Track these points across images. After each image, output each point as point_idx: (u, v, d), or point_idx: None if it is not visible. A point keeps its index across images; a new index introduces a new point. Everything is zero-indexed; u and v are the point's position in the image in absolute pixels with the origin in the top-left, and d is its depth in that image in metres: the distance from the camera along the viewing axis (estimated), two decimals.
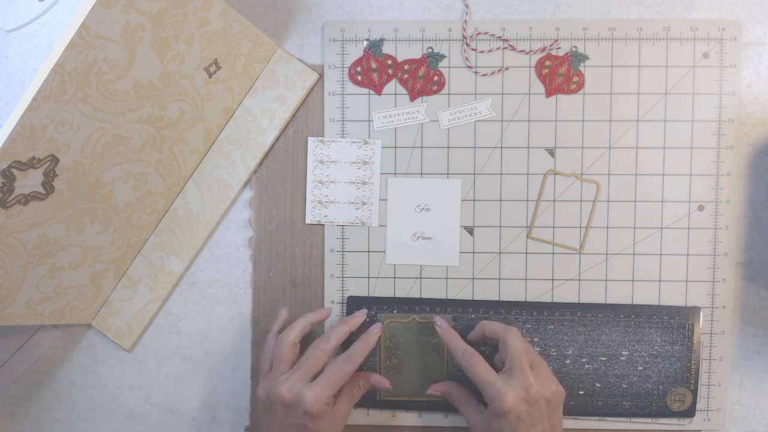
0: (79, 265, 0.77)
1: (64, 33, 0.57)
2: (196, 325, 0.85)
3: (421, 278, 0.83)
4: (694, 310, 0.81)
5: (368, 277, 0.83)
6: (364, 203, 0.83)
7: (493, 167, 0.82)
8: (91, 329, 0.86)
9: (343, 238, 0.83)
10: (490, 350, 0.80)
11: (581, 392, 0.81)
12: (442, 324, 0.79)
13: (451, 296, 0.83)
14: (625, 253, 0.82)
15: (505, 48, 0.82)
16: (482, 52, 0.82)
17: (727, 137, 0.81)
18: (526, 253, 0.82)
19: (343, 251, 0.83)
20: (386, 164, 0.82)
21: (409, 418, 0.84)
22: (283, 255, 0.84)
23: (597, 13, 0.81)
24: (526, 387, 0.69)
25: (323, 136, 0.83)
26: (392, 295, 0.83)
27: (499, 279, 0.82)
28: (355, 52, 0.82)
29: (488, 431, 0.71)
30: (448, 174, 0.82)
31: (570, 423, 0.82)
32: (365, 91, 0.82)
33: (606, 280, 0.82)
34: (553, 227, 0.82)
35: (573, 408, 0.81)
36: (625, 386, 0.81)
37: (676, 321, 0.81)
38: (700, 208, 0.81)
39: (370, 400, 0.83)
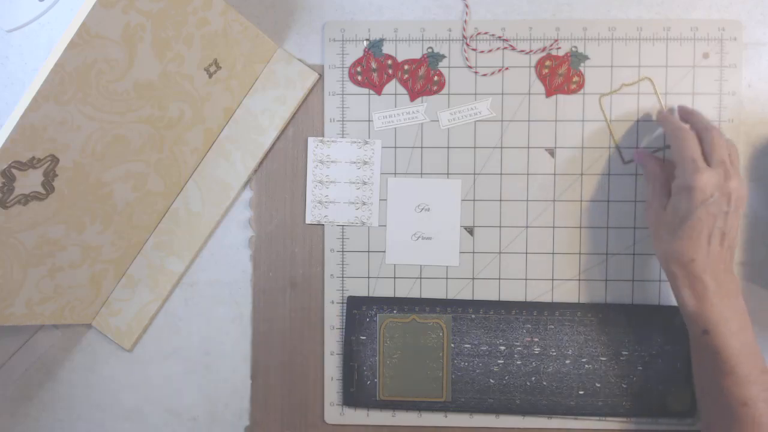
0: (79, 265, 0.77)
1: (64, 33, 0.57)
2: (196, 325, 0.85)
3: (421, 278, 0.83)
4: None
5: (368, 277, 0.83)
6: (364, 203, 0.83)
7: (493, 167, 0.82)
8: (91, 329, 0.86)
9: (343, 238, 0.83)
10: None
11: (581, 392, 0.81)
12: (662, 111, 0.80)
13: (451, 296, 0.83)
14: (625, 253, 0.82)
15: (505, 48, 0.82)
16: (482, 52, 0.82)
17: (727, 137, 0.81)
18: (526, 253, 0.82)
19: (343, 251, 0.83)
20: (386, 164, 0.82)
21: (409, 418, 0.84)
22: (283, 255, 0.84)
23: (597, 13, 0.81)
24: (724, 175, 0.68)
25: (323, 136, 0.83)
26: (392, 295, 0.83)
27: (499, 279, 0.83)
28: (355, 52, 0.82)
29: (664, 209, 0.72)
30: (448, 174, 0.82)
31: (570, 423, 0.82)
32: (365, 91, 0.82)
33: (606, 280, 0.82)
34: (553, 227, 0.82)
35: (573, 408, 0.81)
36: (625, 386, 0.81)
37: (676, 321, 0.81)
38: None
39: (370, 400, 0.83)
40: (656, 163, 0.76)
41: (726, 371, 0.67)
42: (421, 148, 0.82)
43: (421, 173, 0.82)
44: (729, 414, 0.67)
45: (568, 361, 0.81)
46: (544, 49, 0.81)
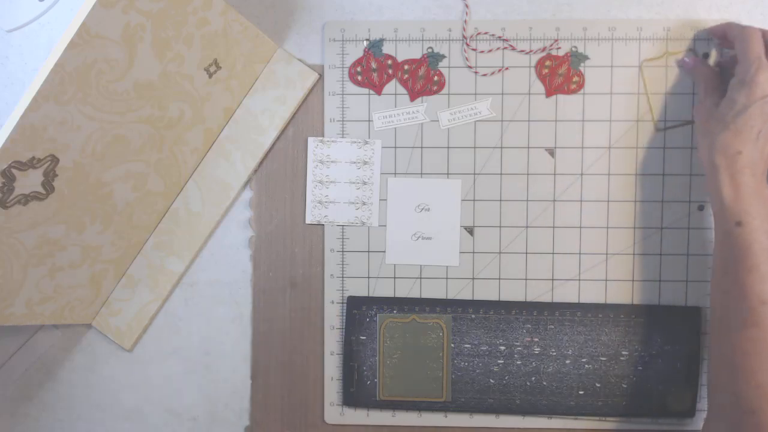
0: (79, 265, 0.77)
1: (64, 33, 0.57)
2: (196, 325, 0.85)
3: (421, 278, 0.83)
4: (694, 310, 0.81)
5: (368, 277, 0.83)
6: (364, 203, 0.83)
7: (493, 167, 0.82)
8: (91, 329, 0.86)
9: (343, 238, 0.83)
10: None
11: (581, 392, 0.81)
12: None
13: (451, 296, 0.83)
14: (625, 253, 0.82)
15: (505, 48, 0.82)
16: (482, 52, 0.82)
17: None
18: (526, 253, 0.82)
19: (343, 251, 0.83)
20: (386, 164, 0.82)
21: (409, 418, 0.84)
22: (283, 255, 0.84)
23: (597, 13, 0.81)
24: None
25: (323, 136, 0.83)
26: (392, 295, 0.83)
27: (499, 279, 0.83)
28: (355, 52, 0.82)
29: (716, 106, 0.73)
30: (448, 174, 0.82)
31: (570, 423, 0.82)
32: (365, 91, 0.82)
33: (606, 280, 0.82)
34: (553, 227, 0.82)
35: (573, 408, 0.81)
36: (625, 386, 0.81)
37: (676, 321, 0.81)
38: (700, 208, 0.81)
39: (370, 400, 0.83)
40: (707, 66, 0.78)
41: (751, 267, 0.67)
42: (421, 148, 0.82)
43: (421, 173, 0.82)
44: (746, 312, 0.67)
45: (568, 361, 0.81)
46: (544, 49, 0.81)
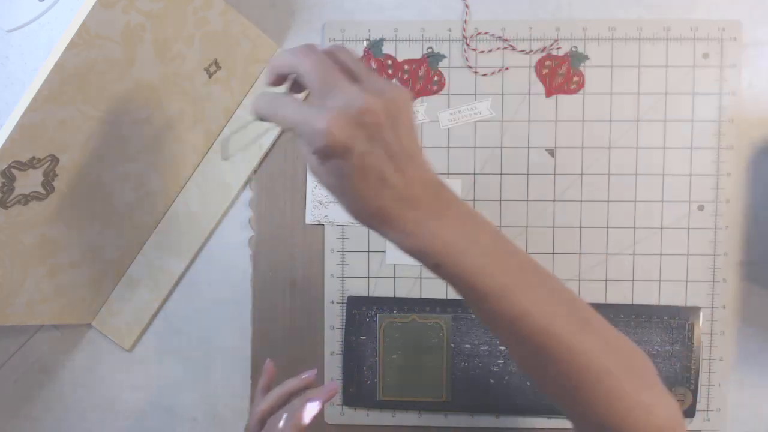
0: (79, 265, 0.77)
1: (64, 33, 0.57)
2: (196, 325, 0.85)
3: (421, 278, 0.83)
4: (694, 310, 0.81)
5: (368, 277, 0.83)
6: None
7: (493, 167, 0.82)
8: (91, 329, 0.86)
9: (343, 238, 0.83)
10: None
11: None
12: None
13: (451, 296, 0.83)
14: (625, 253, 0.82)
15: (505, 48, 0.82)
16: (482, 52, 0.82)
17: (727, 137, 0.81)
18: (526, 253, 0.82)
19: (343, 251, 0.83)
20: None
21: (409, 418, 0.84)
22: (283, 255, 0.84)
23: (597, 13, 0.81)
24: (347, 101, 0.49)
25: None
26: (392, 295, 0.83)
27: None
28: (355, 52, 0.82)
29: (326, 178, 0.52)
30: (448, 174, 0.82)
31: (570, 423, 0.82)
32: None
33: (606, 280, 0.82)
34: (553, 227, 0.82)
35: None
36: None
37: (676, 321, 0.81)
38: (700, 208, 0.81)
39: (370, 400, 0.83)
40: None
41: (479, 296, 0.53)
42: (421, 148, 0.82)
43: None
44: (509, 338, 0.56)
45: None
46: (544, 49, 0.81)
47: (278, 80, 0.56)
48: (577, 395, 0.55)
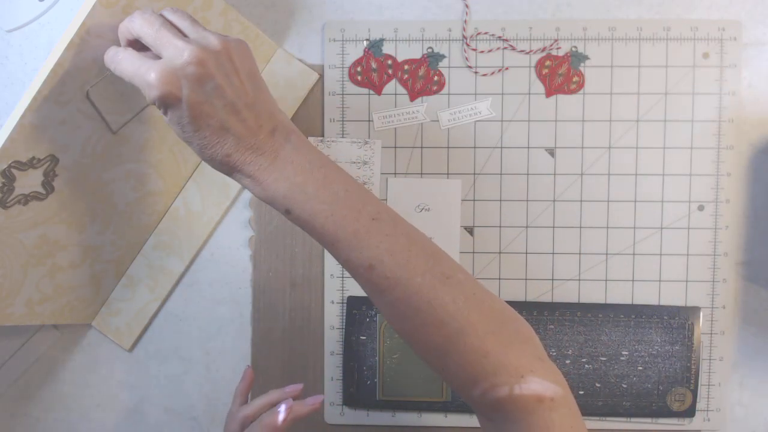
0: (79, 265, 0.77)
1: (64, 33, 0.57)
2: (196, 325, 0.85)
3: None
4: (694, 310, 0.81)
5: None
6: None
7: (493, 167, 0.82)
8: (91, 329, 0.86)
9: None
10: None
11: (581, 392, 0.81)
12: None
13: None
14: (625, 253, 0.82)
15: (505, 48, 0.81)
16: (482, 52, 0.82)
17: (727, 137, 0.81)
18: (526, 253, 0.82)
19: None
20: (386, 164, 0.82)
21: (409, 418, 0.84)
22: (283, 255, 0.84)
23: (597, 13, 0.81)
24: (173, 54, 0.54)
25: (323, 136, 0.83)
26: None
27: (499, 279, 0.82)
28: (355, 52, 0.82)
29: (175, 129, 0.57)
30: (448, 174, 0.82)
31: None
32: (365, 91, 0.82)
33: (606, 280, 0.82)
34: (553, 227, 0.82)
35: None
36: (625, 386, 0.81)
37: (676, 321, 0.81)
38: (700, 208, 0.81)
39: (370, 400, 0.83)
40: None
41: (330, 241, 0.57)
42: (421, 148, 0.82)
43: (421, 173, 0.82)
44: (366, 286, 0.58)
45: (568, 361, 0.81)
46: (544, 49, 0.81)
47: (130, 44, 0.59)
48: (445, 357, 0.56)
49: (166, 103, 0.54)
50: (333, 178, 0.57)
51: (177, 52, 0.54)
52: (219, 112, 0.55)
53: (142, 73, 0.54)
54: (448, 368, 0.56)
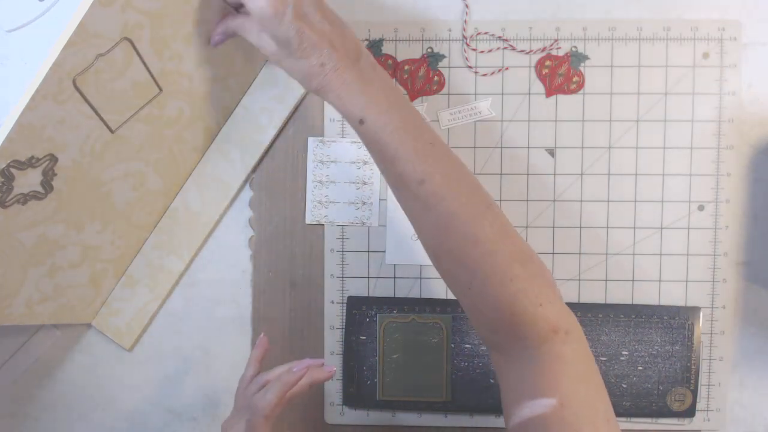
0: (79, 264, 0.77)
1: (62, 32, 0.57)
2: (196, 325, 0.85)
3: (421, 278, 0.83)
4: (694, 310, 0.81)
5: (368, 277, 0.83)
6: (364, 203, 0.83)
7: (493, 167, 0.82)
8: (91, 329, 0.86)
9: (343, 238, 0.83)
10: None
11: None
12: None
13: (451, 296, 0.83)
14: (625, 253, 0.82)
15: (505, 48, 0.81)
16: (482, 52, 0.82)
17: (727, 137, 0.81)
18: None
19: (343, 251, 0.83)
20: None
21: (409, 418, 0.84)
22: (283, 255, 0.84)
23: (597, 13, 0.81)
24: None
25: (323, 136, 0.83)
26: (392, 295, 0.83)
27: None
28: None
29: (275, 49, 0.64)
30: None
31: None
32: None
33: (606, 280, 0.82)
34: (553, 227, 0.82)
35: None
36: (625, 386, 0.81)
37: (676, 321, 0.80)
38: (700, 208, 0.81)
39: (370, 400, 0.83)
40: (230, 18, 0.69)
41: (390, 153, 0.62)
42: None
43: None
44: (414, 202, 0.63)
45: None
46: (544, 49, 0.81)
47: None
48: (473, 276, 0.60)
49: (275, 18, 0.60)
50: (402, 102, 0.64)
51: None
52: (317, 36, 0.62)
53: None
54: (472, 287, 0.60)
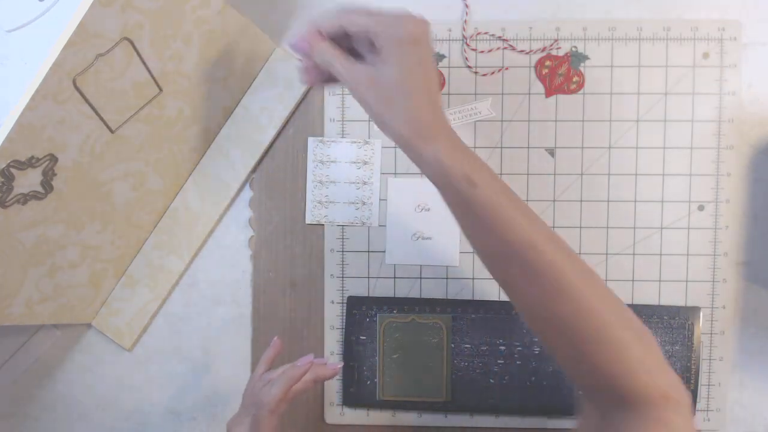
0: (79, 264, 0.77)
1: (62, 32, 0.57)
2: (196, 325, 0.86)
3: (421, 278, 0.83)
4: (694, 310, 0.81)
5: (368, 277, 0.83)
6: (364, 203, 0.83)
7: (493, 167, 0.82)
8: (91, 329, 0.86)
9: (343, 238, 0.83)
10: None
11: (581, 392, 0.81)
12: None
13: (451, 296, 0.83)
14: (625, 253, 0.82)
15: (505, 48, 0.81)
16: (482, 52, 0.82)
17: (727, 137, 0.81)
18: None
19: (343, 251, 0.83)
20: (386, 164, 0.82)
21: (409, 418, 0.84)
22: (283, 255, 0.84)
23: (597, 13, 0.81)
24: (402, 14, 0.56)
25: (323, 136, 0.83)
26: (392, 295, 0.83)
27: None
28: None
29: (379, 79, 0.57)
30: None
31: (570, 423, 0.82)
32: None
33: (606, 280, 0.82)
34: (553, 227, 0.82)
35: (573, 408, 0.81)
36: None
37: (676, 321, 0.80)
38: (700, 208, 0.81)
39: (370, 400, 0.83)
40: (322, 43, 0.60)
41: (504, 219, 0.56)
42: None
43: (422, 173, 0.82)
44: (521, 269, 0.57)
45: None
46: (544, 49, 0.81)
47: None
48: (582, 346, 0.56)
49: (415, 36, 0.55)
50: (481, 161, 0.59)
51: (405, 14, 0.56)
52: (431, 71, 0.58)
53: (389, 17, 0.56)
54: (583, 354, 0.57)
